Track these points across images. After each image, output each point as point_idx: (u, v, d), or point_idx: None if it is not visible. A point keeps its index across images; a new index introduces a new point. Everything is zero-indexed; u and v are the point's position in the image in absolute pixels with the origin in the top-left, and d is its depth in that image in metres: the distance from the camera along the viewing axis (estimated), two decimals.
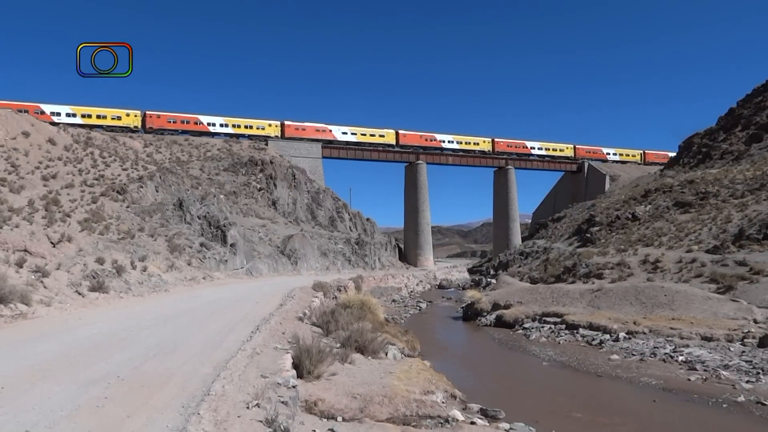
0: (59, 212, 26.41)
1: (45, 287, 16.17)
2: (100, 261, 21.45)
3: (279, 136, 77.10)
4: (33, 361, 8.35)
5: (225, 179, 62.10)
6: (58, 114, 65.32)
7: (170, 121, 71.16)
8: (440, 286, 62.75)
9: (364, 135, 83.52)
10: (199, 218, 37.13)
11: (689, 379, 15.44)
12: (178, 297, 20.82)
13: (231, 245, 36.48)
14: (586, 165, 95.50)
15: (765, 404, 12.79)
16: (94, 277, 19.07)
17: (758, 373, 15.30)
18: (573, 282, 32.75)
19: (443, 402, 10.05)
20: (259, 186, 63.59)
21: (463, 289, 51.14)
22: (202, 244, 33.76)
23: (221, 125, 74.58)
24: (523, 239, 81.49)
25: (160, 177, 41.12)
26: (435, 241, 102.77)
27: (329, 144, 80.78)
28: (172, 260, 28.19)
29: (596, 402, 13.92)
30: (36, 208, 25.73)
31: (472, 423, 9.40)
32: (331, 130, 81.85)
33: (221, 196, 54.53)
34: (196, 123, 73.13)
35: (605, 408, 13.21)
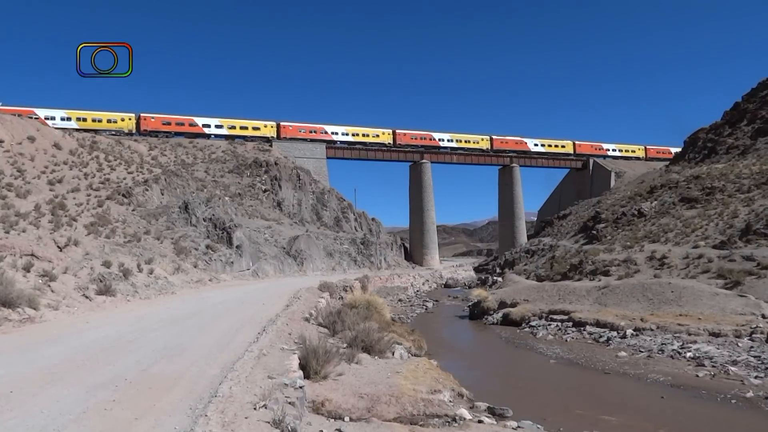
0: (65, 216, 26.56)
1: (52, 291, 16.25)
2: (106, 264, 21.54)
3: (133, 129, 71.99)
4: (41, 364, 8.39)
5: (230, 181, 62.27)
6: None
7: None
8: (446, 285, 62.73)
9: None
10: (204, 220, 37.26)
11: (697, 376, 15.38)
12: (185, 299, 20.88)
13: (237, 247, 36.58)
14: (591, 162, 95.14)
15: None
16: (101, 281, 19.15)
17: (767, 368, 15.22)
18: (579, 279, 32.64)
19: (450, 401, 10.04)
20: (263, 187, 63.69)
21: (470, 287, 51.13)
22: (208, 246, 33.86)
23: (62, 119, 69.71)
24: (529, 237, 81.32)
25: (165, 180, 41.27)
26: (441, 240, 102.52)
27: (333, 144, 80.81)
28: (178, 262, 28.29)
29: (604, 399, 13.88)
30: (42, 213, 25.89)
31: (480, 422, 9.40)
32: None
33: (226, 198, 54.65)
34: (30, 117, 64.57)
35: (613, 405, 13.16)
